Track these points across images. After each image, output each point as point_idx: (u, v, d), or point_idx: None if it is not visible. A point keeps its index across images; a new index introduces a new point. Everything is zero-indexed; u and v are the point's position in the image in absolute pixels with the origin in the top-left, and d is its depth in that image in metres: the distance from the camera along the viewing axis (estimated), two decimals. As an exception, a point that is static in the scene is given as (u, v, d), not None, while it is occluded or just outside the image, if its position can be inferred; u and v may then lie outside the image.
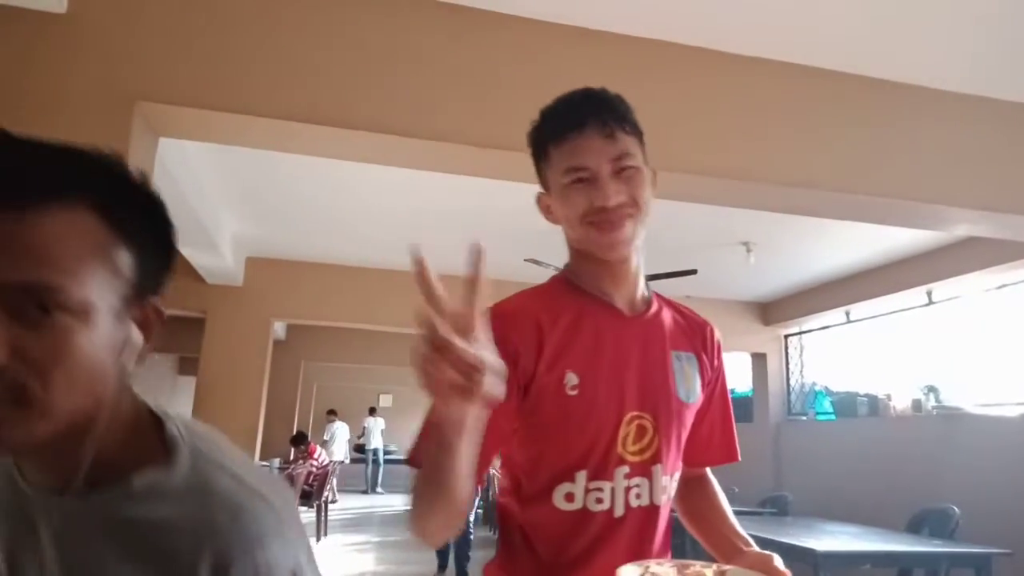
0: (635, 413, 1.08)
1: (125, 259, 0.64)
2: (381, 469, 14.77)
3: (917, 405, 5.66)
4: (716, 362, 1.22)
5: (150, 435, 0.68)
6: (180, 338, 7.92)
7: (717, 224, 4.95)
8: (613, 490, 1.06)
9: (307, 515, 7.83)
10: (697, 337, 1.20)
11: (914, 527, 4.43)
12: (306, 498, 7.64)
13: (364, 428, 14.74)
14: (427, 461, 0.90)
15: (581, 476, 1.05)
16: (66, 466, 0.65)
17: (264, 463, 6.74)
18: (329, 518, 8.62)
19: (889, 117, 2.92)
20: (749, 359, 7.73)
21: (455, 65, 2.49)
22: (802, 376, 7.44)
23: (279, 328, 8.64)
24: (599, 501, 1.06)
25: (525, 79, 2.51)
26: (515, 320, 1.05)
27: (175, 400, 12.06)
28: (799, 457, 6.81)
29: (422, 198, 4.68)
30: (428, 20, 2.49)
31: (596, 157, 1.04)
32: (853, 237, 5.17)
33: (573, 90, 1.10)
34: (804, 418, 7.14)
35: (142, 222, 0.66)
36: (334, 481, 9.31)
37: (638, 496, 1.08)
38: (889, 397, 6.00)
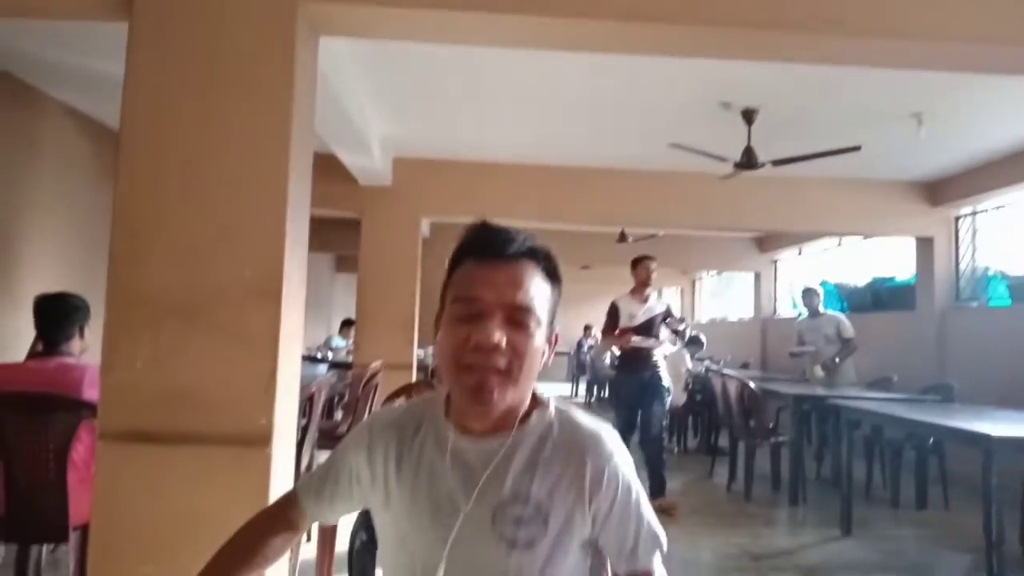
0: None
1: (552, 299, 1.04)
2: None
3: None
4: None
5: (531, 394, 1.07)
6: (337, 237, 8.47)
7: (884, 93, 4.52)
8: None
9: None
10: None
11: (1103, 417, 4.09)
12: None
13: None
14: None
15: None
16: (503, 424, 1.02)
17: (420, 350, 7.21)
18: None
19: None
20: (914, 244, 7.18)
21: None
22: (974, 260, 6.85)
23: (424, 226, 8.99)
24: None
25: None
26: None
27: (334, 294, 12.99)
28: (967, 345, 6.38)
29: (565, 87, 4.60)
30: None
31: None
32: (1045, 101, 4.57)
33: None
34: (975, 304, 6.64)
35: (555, 279, 1.05)
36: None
37: None
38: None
